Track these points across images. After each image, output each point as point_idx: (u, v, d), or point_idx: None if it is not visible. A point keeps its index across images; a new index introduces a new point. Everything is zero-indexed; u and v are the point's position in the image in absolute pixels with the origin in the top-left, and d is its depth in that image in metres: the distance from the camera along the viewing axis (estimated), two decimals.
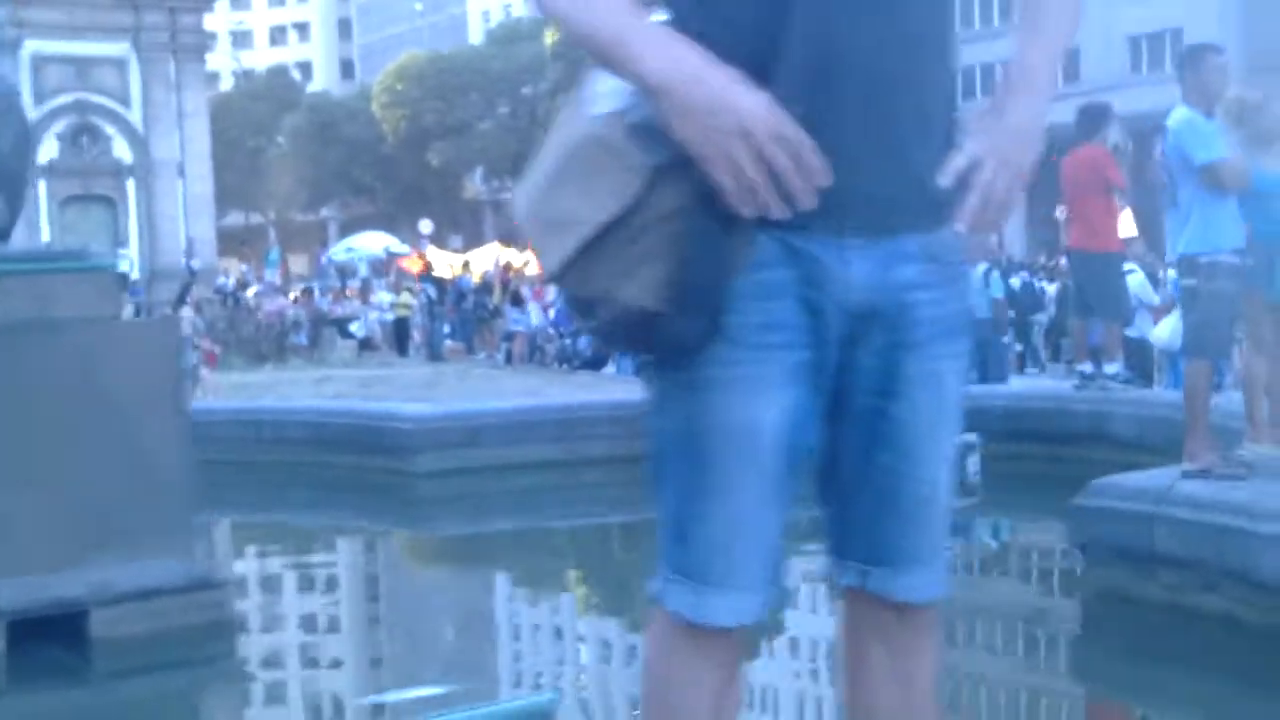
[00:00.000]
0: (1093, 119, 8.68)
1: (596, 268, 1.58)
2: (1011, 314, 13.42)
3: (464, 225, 52.37)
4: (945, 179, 1.64)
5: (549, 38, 39.28)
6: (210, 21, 45.71)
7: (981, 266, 13.35)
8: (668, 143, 1.54)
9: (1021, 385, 10.42)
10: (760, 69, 1.56)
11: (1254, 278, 5.84)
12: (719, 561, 1.69)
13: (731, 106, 1.51)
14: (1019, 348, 13.55)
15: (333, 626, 6.21)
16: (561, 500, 8.61)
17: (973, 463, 8.49)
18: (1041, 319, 13.23)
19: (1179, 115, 5.78)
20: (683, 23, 1.63)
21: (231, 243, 48.21)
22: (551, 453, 8.79)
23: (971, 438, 8.60)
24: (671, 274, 1.56)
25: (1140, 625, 5.22)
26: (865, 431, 1.73)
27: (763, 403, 1.64)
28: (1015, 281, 13.55)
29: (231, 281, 29.47)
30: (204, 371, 14.48)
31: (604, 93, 1.60)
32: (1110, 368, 8.90)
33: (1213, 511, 5.10)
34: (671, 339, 1.61)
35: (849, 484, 1.77)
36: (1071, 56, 46.54)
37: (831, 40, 1.60)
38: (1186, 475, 5.45)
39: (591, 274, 1.59)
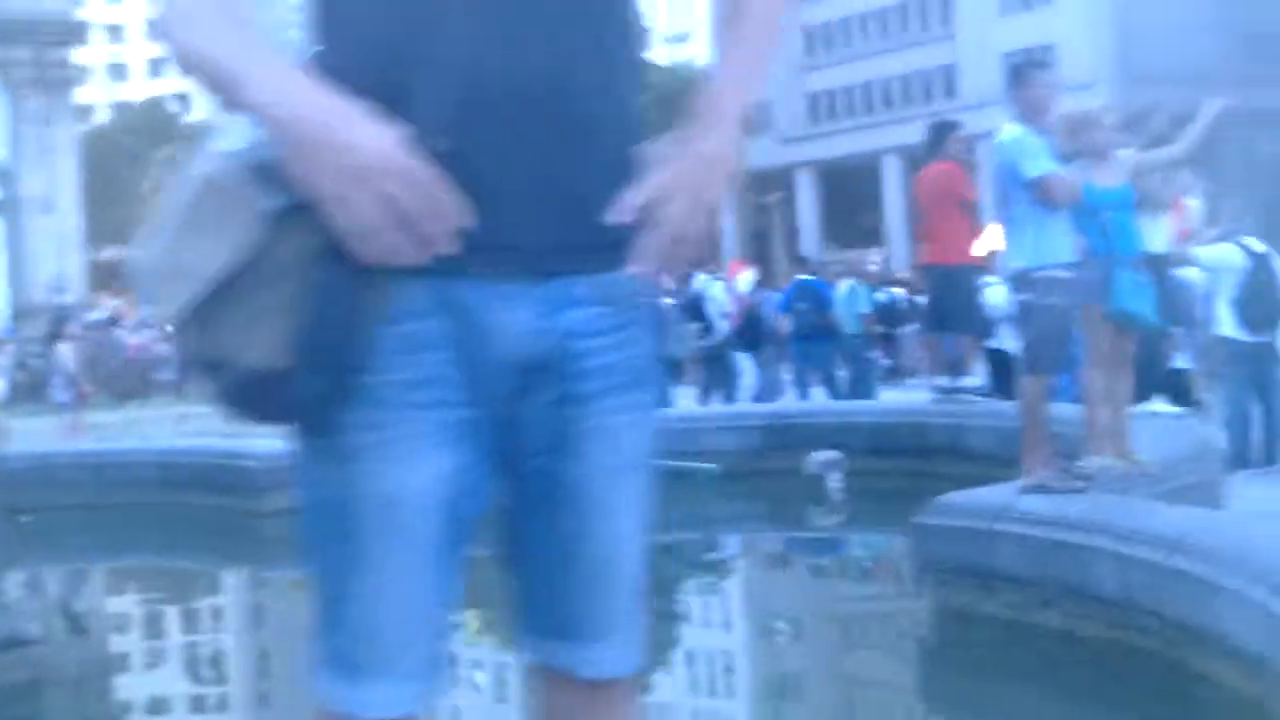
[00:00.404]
0: (936, 136, 8.75)
1: (215, 326, 1.42)
2: (880, 328, 13.55)
3: None
4: (621, 214, 1.51)
5: None
6: (84, 55, 44.78)
7: (847, 283, 13.47)
8: (291, 183, 1.39)
9: (884, 401, 10.44)
10: (397, 102, 1.41)
11: (1091, 291, 5.85)
12: (373, 647, 1.52)
13: (350, 143, 1.36)
14: (888, 362, 13.70)
15: (162, 676, 5.94)
16: None
17: (836, 479, 8.48)
18: (909, 332, 13.39)
19: (1008, 131, 5.78)
20: (317, 51, 1.50)
21: (109, 278, 47.18)
22: None
23: (835, 455, 8.60)
24: (296, 330, 1.41)
25: (981, 643, 5.17)
26: (539, 494, 1.58)
27: (415, 469, 1.48)
28: (881, 296, 13.67)
29: (104, 316, 28.70)
30: (73, 412, 14.12)
31: (229, 129, 1.45)
32: (967, 381, 8.93)
33: (1049, 527, 5.07)
34: (297, 402, 1.45)
35: (527, 551, 1.62)
36: (949, 73, 47.46)
37: (476, 70, 1.46)
38: (1024, 490, 5.43)
39: (210, 333, 1.43)
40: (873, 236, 43.68)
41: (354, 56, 1.47)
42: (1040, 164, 5.59)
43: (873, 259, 21.35)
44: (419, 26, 1.45)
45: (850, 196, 49.47)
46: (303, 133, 1.36)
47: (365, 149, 1.36)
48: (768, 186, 48.72)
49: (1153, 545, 4.59)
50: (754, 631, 5.95)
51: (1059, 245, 5.64)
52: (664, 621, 6.27)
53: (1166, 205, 7.62)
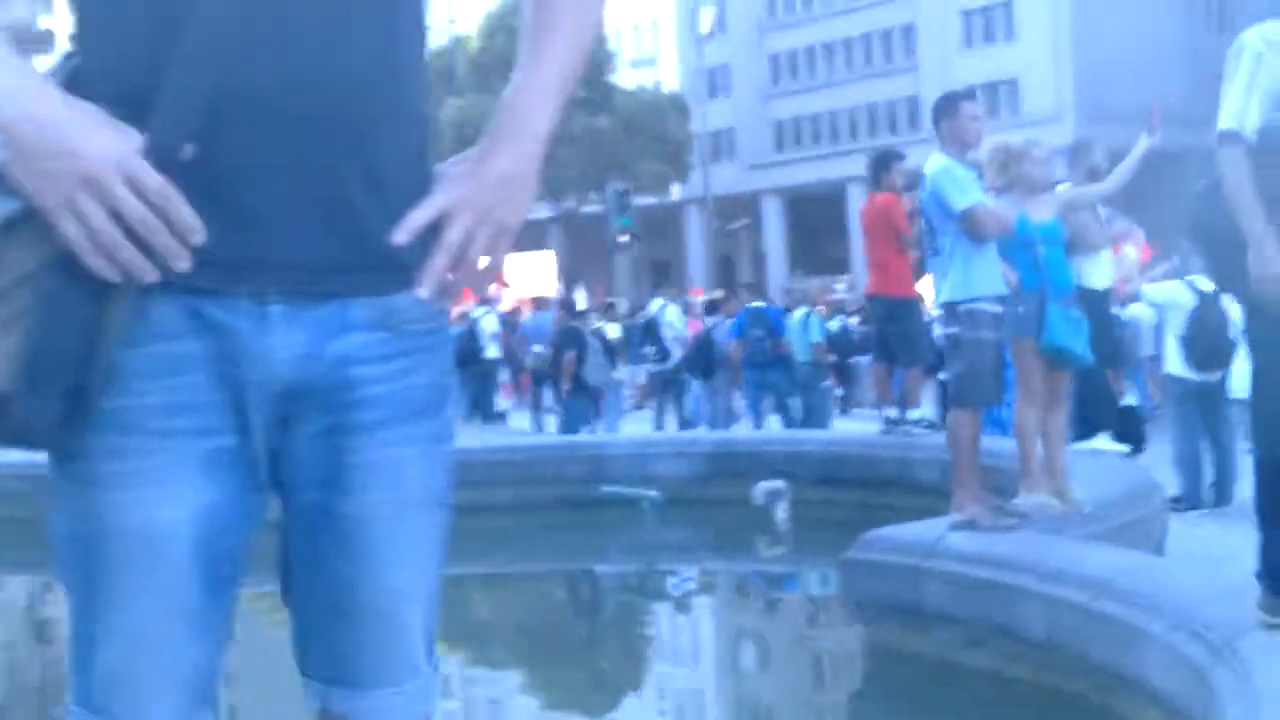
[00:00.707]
0: (877, 166, 8.75)
1: None
2: (833, 357, 13.52)
3: None
4: (403, 235, 1.43)
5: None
6: (49, 63, 44.41)
7: (801, 311, 13.44)
8: (19, 190, 1.31)
9: (831, 431, 10.38)
10: (143, 107, 1.33)
11: (1024, 325, 5.80)
12: (121, 690, 1.43)
13: (74, 149, 1.28)
14: (840, 391, 13.68)
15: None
16: None
17: (781, 509, 8.40)
18: (863, 361, 13.39)
19: (936, 163, 5.73)
20: (70, 54, 1.42)
21: None
22: None
23: (780, 484, 8.53)
24: (25, 347, 1.31)
25: (909, 682, 5.08)
26: (313, 530, 1.48)
27: (168, 500, 1.39)
28: (834, 324, 13.65)
29: None
30: None
31: None
32: (915, 413, 8.89)
33: (977, 565, 5.00)
34: (23, 426, 1.34)
35: (302, 590, 1.53)
36: (913, 104, 47.69)
37: (231, 74, 1.36)
38: (954, 527, 5.36)
39: None
40: (839, 264, 43.77)
41: (105, 60, 1.39)
42: (969, 196, 5.54)
43: (838, 286, 21.37)
44: (168, 26, 1.35)
45: (816, 224, 49.61)
46: (26, 136, 1.28)
47: (91, 155, 1.28)
48: (734, 212, 48.79)
49: (1079, 587, 4.53)
50: (677, 664, 5.85)
51: (987, 278, 5.58)
52: (586, 651, 6.19)
53: (1097, 245, 7.59)
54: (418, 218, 1.43)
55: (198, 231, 1.32)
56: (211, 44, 1.35)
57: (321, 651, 1.54)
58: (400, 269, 1.44)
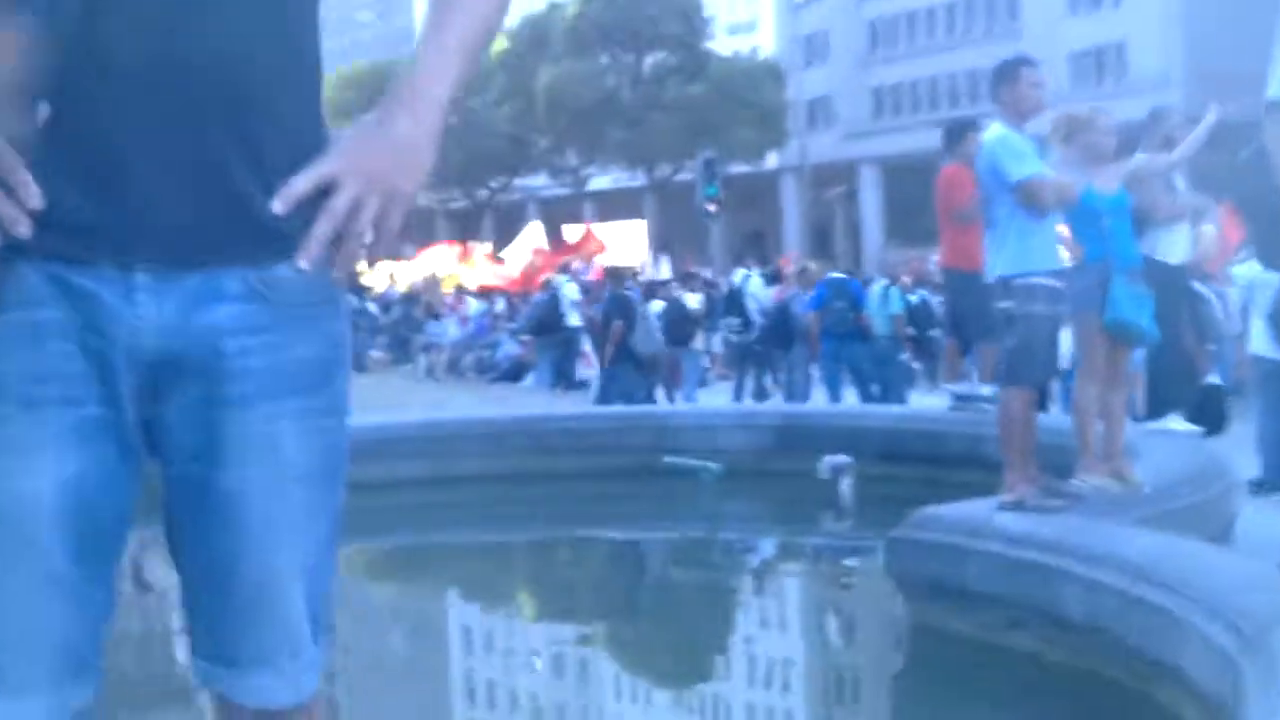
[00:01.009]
0: (951, 136, 8.56)
1: None
2: (910, 330, 13.32)
3: (414, 234, 52.08)
4: (281, 204, 1.38)
5: (495, 46, 39.15)
6: None
7: (880, 283, 13.25)
8: None
9: (900, 406, 10.25)
10: None
11: (1087, 300, 5.63)
12: None
13: None
14: (919, 365, 13.49)
15: None
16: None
17: (846, 484, 8.32)
18: (940, 335, 13.18)
19: (993, 132, 5.57)
20: None
21: None
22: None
23: (846, 459, 8.45)
24: None
25: (952, 662, 5.00)
26: (190, 504, 1.46)
27: (33, 470, 1.38)
28: (914, 298, 13.43)
29: None
30: None
31: None
32: (986, 388, 8.71)
33: (1022, 547, 4.90)
34: None
35: (184, 566, 1.51)
36: None
37: (89, 39, 1.33)
38: (1002, 507, 5.25)
39: None
40: (936, 235, 43.24)
41: None
42: (1025, 166, 5.35)
43: (934, 258, 21.03)
44: None
45: (914, 194, 48.91)
46: None
47: None
48: (830, 181, 48.32)
49: (1119, 571, 4.41)
50: (715, 639, 5.81)
51: (1043, 251, 5.40)
52: (628, 621, 6.19)
53: (1168, 217, 7.35)
54: (299, 185, 1.39)
55: (35, 197, 1.30)
56: (63, 4, 1.32)
57: (204, 629, 1.52)
58: (280, 238, 1.41)
